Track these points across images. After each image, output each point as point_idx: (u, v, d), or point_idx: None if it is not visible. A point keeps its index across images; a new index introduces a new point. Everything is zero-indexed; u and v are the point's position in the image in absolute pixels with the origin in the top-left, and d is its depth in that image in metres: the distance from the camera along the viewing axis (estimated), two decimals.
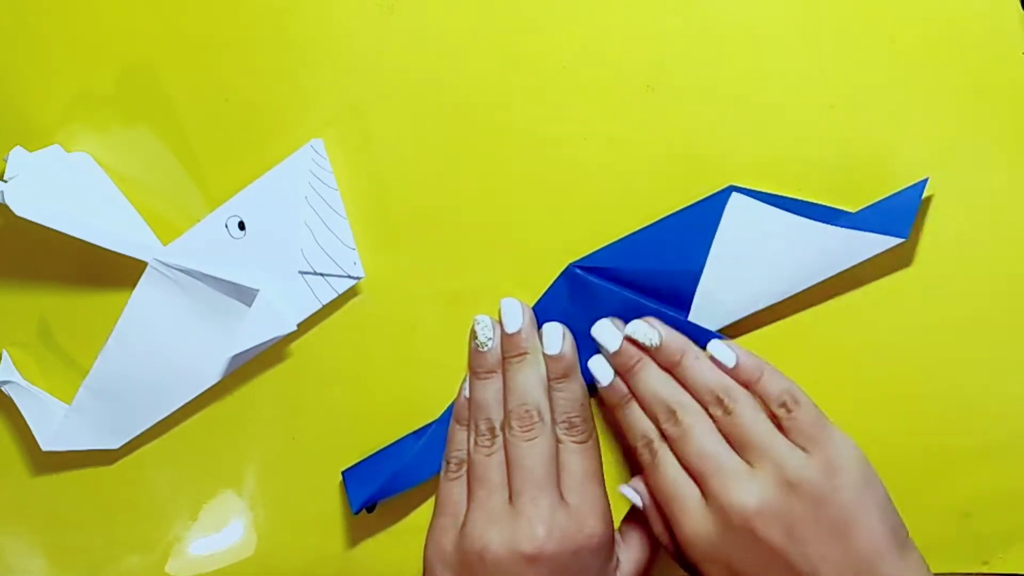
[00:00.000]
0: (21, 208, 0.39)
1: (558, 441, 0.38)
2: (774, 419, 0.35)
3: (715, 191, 0.38)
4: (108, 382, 0.44)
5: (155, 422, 0.44)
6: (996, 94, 0.36)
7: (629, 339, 0.37)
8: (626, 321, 0.38)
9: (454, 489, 0.39)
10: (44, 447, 0.45)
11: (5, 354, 0.45)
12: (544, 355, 0.39)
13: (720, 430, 0.36)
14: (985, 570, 0.39)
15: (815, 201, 0.37)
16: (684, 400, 0.37)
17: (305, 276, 0.41)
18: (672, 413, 0.36)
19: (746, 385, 0.36)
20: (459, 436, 0.40)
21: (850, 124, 0.37)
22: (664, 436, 0.37)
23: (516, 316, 0.39)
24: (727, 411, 0.36)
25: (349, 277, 0.41)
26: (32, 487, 0.48)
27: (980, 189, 0.36)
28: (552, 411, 0.39)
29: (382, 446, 0.43)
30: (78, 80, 0.42)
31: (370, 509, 0.44)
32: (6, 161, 0.41)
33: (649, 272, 0.38)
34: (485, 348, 0.39)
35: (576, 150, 0.39)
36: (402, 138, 0.40)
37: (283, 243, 0.41)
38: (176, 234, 0.42)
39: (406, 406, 0.42)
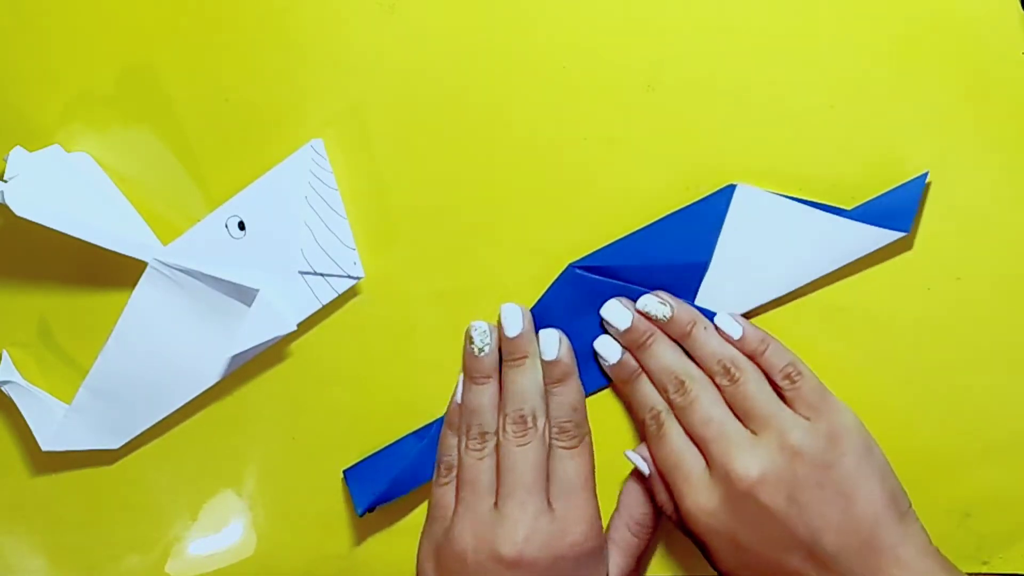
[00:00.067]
0: (21, 208, 0.39)
1: (549, 446, 0.38)
2: (778, 390, 0.36)
3: (715, 191, 0.38)
4: (108, 382, 0.44)
5: (155, 422, 0.44)
6: (996, 94, 0.36)
7: (641, 312, 0.38)
8: None
9: (445, 494, 0.39)
10: (44, 447, 0.45)
11: (5, 354, 0.45)
12: (541, 360, 0.39)
13: (726, 400, 0.36)
14: (985, 570, 0.39)
15: (815, 201, 0.37)
16: (693, 371, 0.37)
17: (305, 276, 0.41)
18: (681, 383, 0.37)
19: (751, 357, 0.37)
20: (450, 441, 0.40)
21: (850, 124, 0.37)
22: (672, 407, 0.37)
23: (516, 320, 0.39)
24: (733, 380, 0.36)
25: (349, 277, 0.41)
26: (32, 487, 0.48)
27: (980, 189, 0.36)
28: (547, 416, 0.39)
29: (382, 446, 0.43)
30: (78, 80, 0.42)
31: (371, 509, 0.44)
32: (6, 161, 0.41)
33: (650, 268, 0.39)
34: (481, 354, 0.39)
35: (576, 150, 0.39)
36: (402, 138, 0.40)
37: (283, 243, 0.41)
38: (176, 234, 0.42)
39: (406, 406, 0.42)
